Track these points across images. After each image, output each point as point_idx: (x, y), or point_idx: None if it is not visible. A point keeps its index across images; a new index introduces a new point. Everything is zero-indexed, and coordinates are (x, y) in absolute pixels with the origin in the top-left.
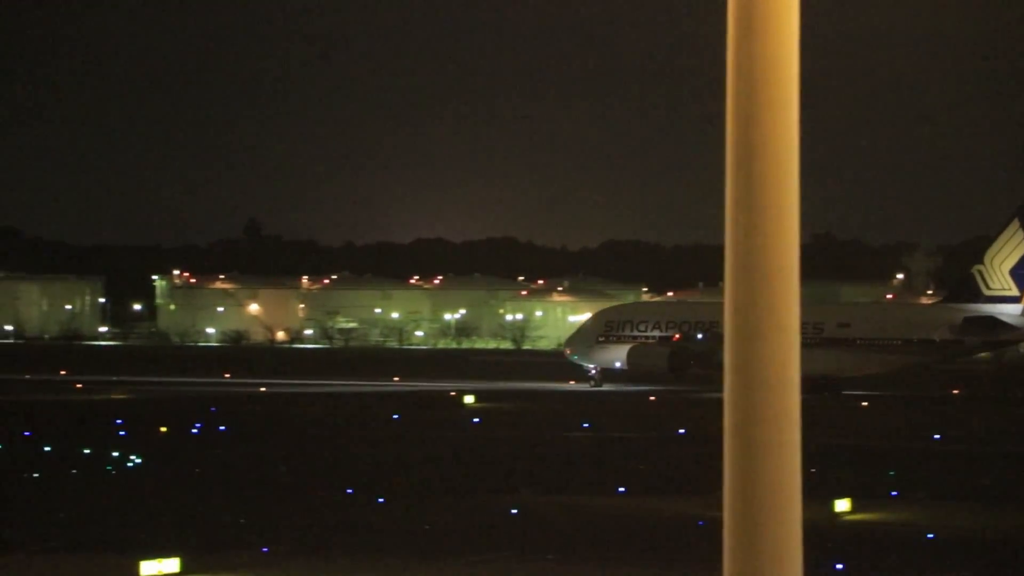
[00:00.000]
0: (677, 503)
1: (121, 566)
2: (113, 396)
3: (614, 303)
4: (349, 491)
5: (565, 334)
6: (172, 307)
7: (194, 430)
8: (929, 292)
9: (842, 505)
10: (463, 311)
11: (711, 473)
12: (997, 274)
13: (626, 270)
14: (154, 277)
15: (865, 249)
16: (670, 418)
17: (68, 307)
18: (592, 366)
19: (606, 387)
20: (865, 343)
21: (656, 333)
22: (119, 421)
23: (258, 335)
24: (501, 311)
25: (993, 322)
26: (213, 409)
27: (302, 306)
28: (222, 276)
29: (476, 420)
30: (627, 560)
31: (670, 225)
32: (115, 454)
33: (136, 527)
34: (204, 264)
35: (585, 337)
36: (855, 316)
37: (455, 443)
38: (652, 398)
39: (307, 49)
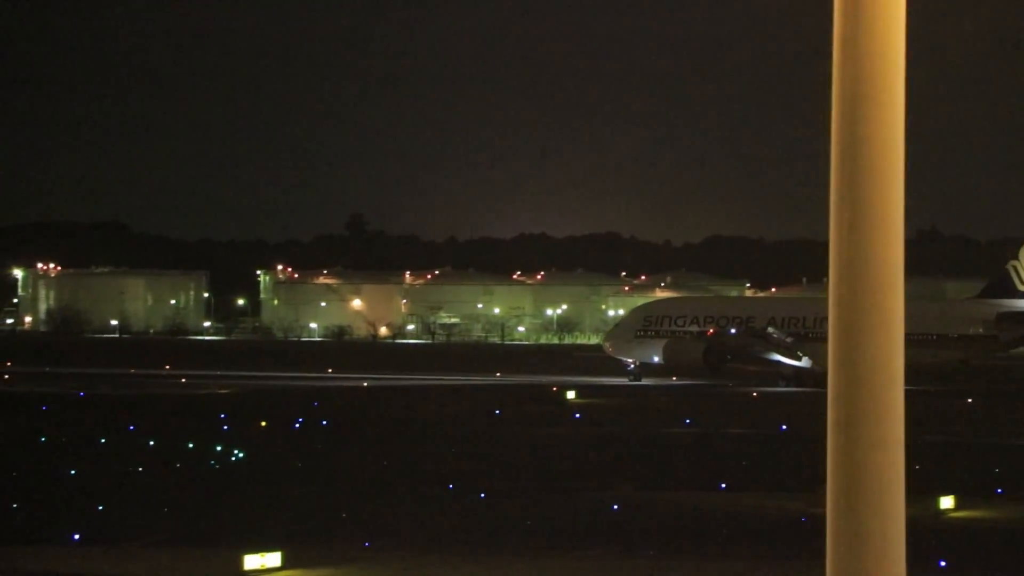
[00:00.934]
0: (779, 500)
1: (225, 560)
2: (217, 390)
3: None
4: (450, 486)
5: None
6: (275, 302)
7: (296, 424)
8: None
9: (946, 502)
10: (565, 306)
11: (814, 470)
12: None
13: (729, 266)
14: (258, 272)
15: (971, 244)
16: (774, 414)
17: (173, 302)
18: (631, 360)
19: (645, 381)
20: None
21: (694, 328)
22: (223, 415)
23: (360, 330)
24: (603, 307)
25: None
26: (315, 404)
27: (404, 301)
28: (325, 271)
29: (577, 416)
30: (727, 556)
31: (774, 220)
32: (218, 448)
33: (239, 521)
34: (307, 259)
35: (624, 332)
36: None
37: (556, 438)
38: (755, 395)
39: (411, 44)
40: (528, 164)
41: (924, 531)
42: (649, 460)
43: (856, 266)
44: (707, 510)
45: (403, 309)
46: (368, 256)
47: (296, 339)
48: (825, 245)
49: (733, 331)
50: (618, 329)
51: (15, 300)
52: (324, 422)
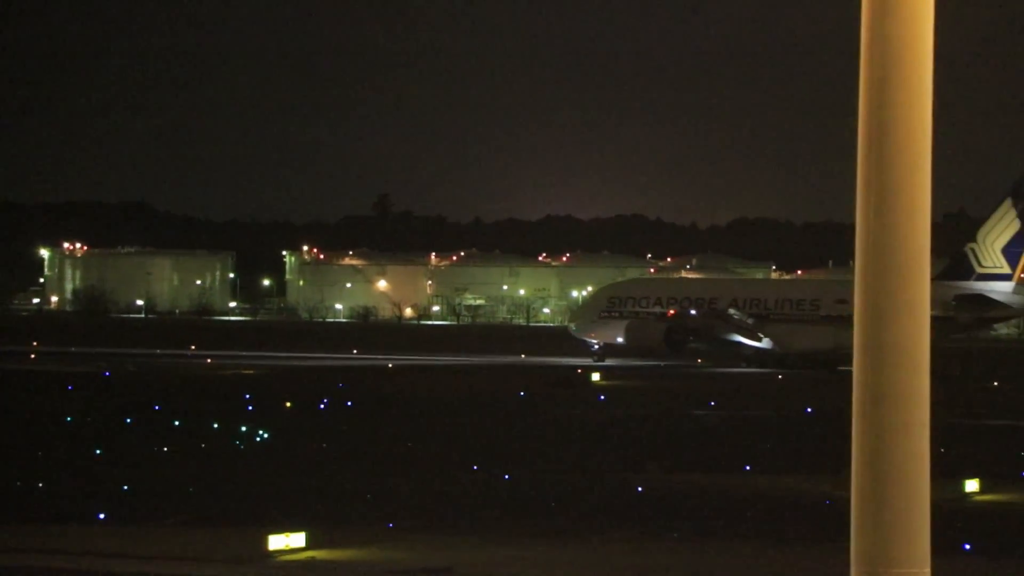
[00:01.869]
0: (804, 482)
1: (249, 540)
2: (242, 371)
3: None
4: (475, 467)
5: None
6: (301, 283)
7: (321, 405)
8: None
9: (971, 485)
10: (590, 288)
11: (839, 452)
12: (989, 252)
13: (755, 248)
14: (284, 253)
15: None
16: (798, 397)
17: (199, 282)
18: (595, 341)
19: (608, 362)
20: None
21: (656, 309)
22: (247, 396)
23: (386, 311)
24: None
25: (983, 299)
26: (340, 384)
27: (430, 283)
28: (351, 252)
29: (602, 397)
30: (752, 538)
31: (800, 203)
32: (243, 428)
33: (263, 501)
34: (333, 240)
35: (588, 312)
36: (852, 293)
37: (581, 420)
38: (779, 376)
39: (439, 28)
40: (555, 146)
41: (949, 514)
42: (675, 442)
43: (882, 250)
44: (733, 492)
45: (428, 290)
46: (394, 237)
47: (321, 320)
48: (852, 228)
49: (693, 312)
50: (582, 310)
51: (41, 280)
52: (349, 403)
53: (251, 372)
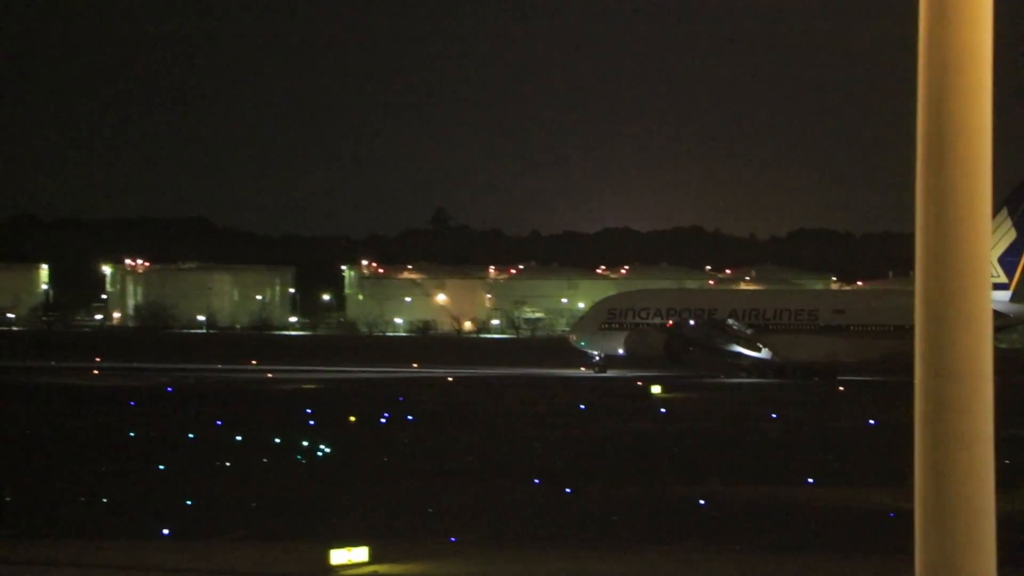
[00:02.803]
0: (867, 494)
1: (311, 554)
2: (302, 385)
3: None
4: (536, 481)
5: None
6: (360, 297)
7: (382, 419)
8: None
9: None
10: None
11: (902, 464)
12: None
13: (815, 259)
14: (343, 267)
15: None
16: (860, 408)
17: (259, 297)
18: (596, 352)
19: (610, 373)
20: (859, 329)
21: (656, 320)
22: (309, 410)
23: (445, 325)
24: None
25: None
26: (400, 398)
27: (489, 296)
28: (409, 266)
29: (663, 411)
30: (814, 551)
31: (860, 213)
32: (305, 443)
33: (326, 516)
34: (392, 254)
35: (589, 324)
36: (849, 303)
37: (642, 433)
38: (840, 388)
39: (497, 41)
40: (612, 158)
41: (1014, 525)
42: (737, 454)
43: (943, 259)
44: (795, 505)
45: (487, 304)
46: (452, 251)
47: (381, 334)
48: (912, 238)
49: (692, 323)
50: (583, 321)
51: (104, 296)
52: (410, 416)
53: (312, 386)
